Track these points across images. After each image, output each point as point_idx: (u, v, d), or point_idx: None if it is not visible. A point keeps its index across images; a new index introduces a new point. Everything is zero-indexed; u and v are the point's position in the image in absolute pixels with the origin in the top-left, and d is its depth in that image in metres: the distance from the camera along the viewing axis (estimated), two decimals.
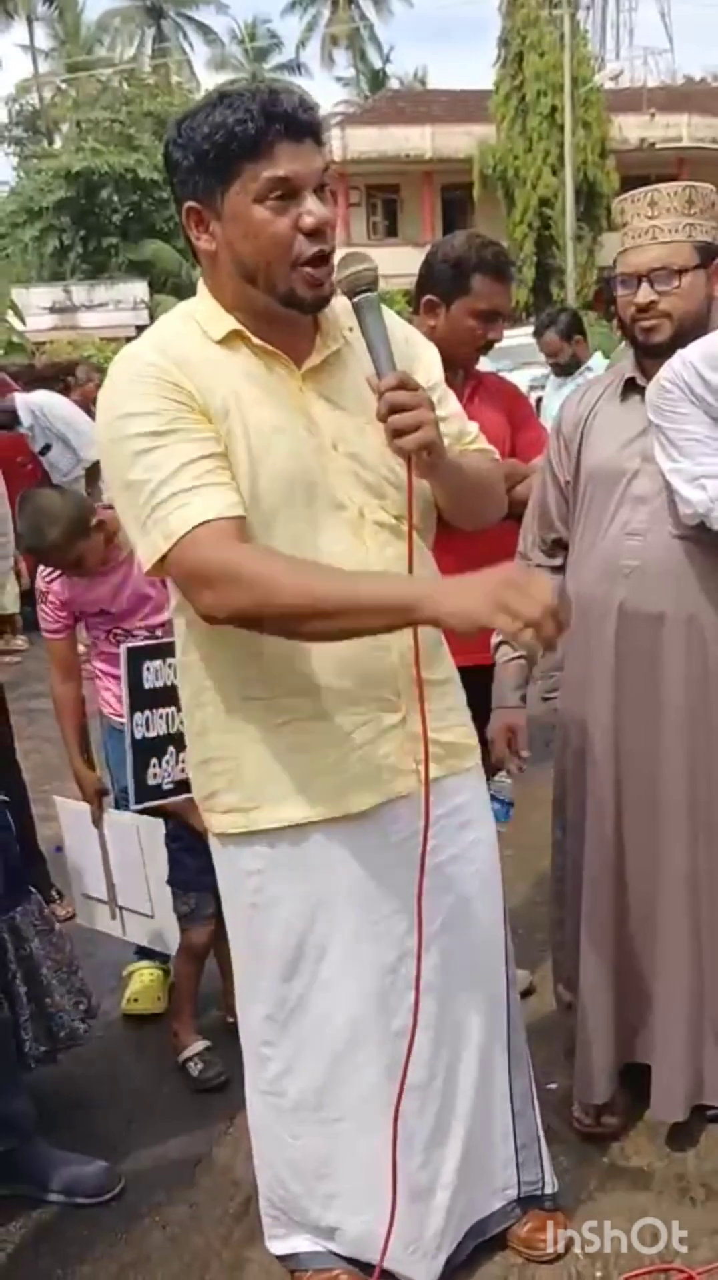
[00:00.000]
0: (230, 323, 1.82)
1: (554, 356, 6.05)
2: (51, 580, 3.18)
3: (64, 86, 34.59)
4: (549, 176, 25.54)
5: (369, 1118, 2.03)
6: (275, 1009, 2.04)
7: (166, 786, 2.81)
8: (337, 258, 1.83)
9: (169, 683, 2.73)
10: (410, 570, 1.82)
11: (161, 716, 2.81)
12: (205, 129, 1.72)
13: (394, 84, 41.50)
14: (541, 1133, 2.27)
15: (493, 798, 2.35)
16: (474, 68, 68.51)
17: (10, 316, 9.67)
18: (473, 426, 2.09)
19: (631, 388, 2.47)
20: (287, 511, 1.82)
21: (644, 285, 2.35)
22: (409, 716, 1.91)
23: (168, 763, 2.80)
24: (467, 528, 2.11)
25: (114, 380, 1.82)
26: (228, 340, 1.82)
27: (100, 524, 3.01)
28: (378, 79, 42.94)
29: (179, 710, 2.21)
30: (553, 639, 1.59)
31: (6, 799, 2.60)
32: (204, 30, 44.48)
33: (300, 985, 2.01)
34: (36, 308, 22.28)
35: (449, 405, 2.04)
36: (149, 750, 2.81)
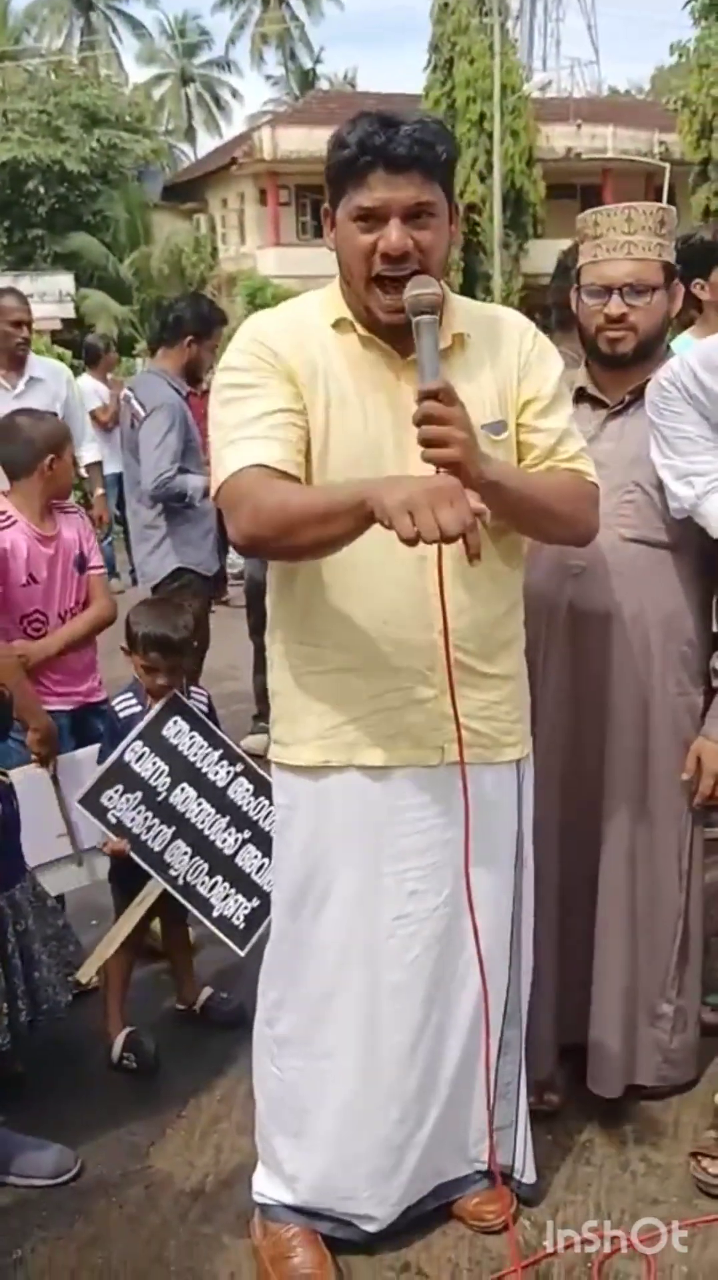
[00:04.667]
0: (344, 312, 2.05)
1: None
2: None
3: None
4: (477, 183, 25.79)
5: (346, 1064, 2.17)
6: (279, 940, 2.24)
7: (110, 820, 2.89)
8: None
9: (181, 750, 2.94)
10: (439, 566, 1.86)
11: (156, 768, 2.92)
12: (332, 146, 1.95)
13: (324, 85, 41.53)
14: (523, 1122, 2.35)
15: None
16: (404, 72, 68.80)
17: None
18: (572, 446, 2.14)
19: (581, 396, 2.56)
20: (351, 476, 1.96)
21: (616, 297, 2.45)
22: (443, 697, 2.02)
23: (126, 801, 2.89)
24: (540, 540, 2.23)
25: (232, 341, 2.08)
26: (339, 325, 2.05)
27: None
28: (308, 79, 42.94)
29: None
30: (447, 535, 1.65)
31: (8, 780, 2.63)
32: (133, 24, 44.21)
33: (303, 922, 2.16)
34: None
35: (551, 420, 2.13)
36: (123, 777, 2.90)
